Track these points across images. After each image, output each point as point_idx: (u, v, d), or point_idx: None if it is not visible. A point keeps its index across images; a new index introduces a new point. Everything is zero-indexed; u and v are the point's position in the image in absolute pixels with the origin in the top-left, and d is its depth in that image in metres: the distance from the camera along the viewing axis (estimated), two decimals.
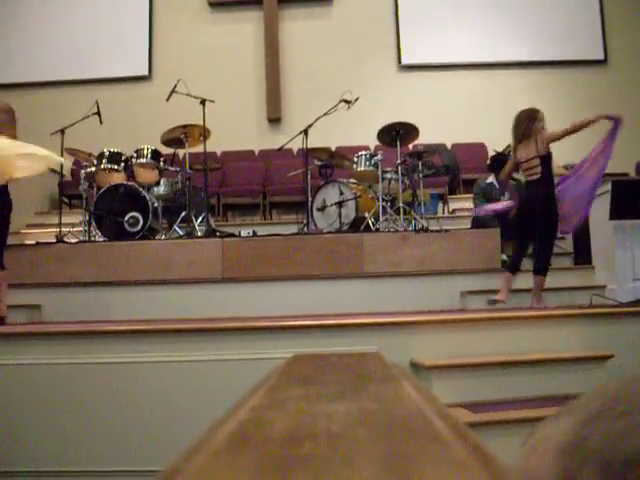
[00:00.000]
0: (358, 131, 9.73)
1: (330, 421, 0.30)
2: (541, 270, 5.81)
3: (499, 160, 7.81)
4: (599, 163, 5.93)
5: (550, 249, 5.89)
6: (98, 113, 7.80)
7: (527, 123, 5.91)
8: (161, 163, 7.47)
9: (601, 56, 11.46)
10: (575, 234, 7.69)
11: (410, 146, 8.71)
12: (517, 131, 5.96)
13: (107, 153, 7.41)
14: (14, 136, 5.60)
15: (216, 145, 9.49)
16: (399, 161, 7.24)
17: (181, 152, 8.09)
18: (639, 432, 0.48)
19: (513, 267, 5.97)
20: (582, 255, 7.48)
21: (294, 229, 7.64)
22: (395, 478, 0.22)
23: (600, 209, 6.49)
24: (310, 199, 7.45)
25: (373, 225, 7.10)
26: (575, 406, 0.56)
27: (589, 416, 0.53)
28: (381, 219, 7.08)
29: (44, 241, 7.11)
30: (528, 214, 5.85)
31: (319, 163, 7.99)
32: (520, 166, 5.93)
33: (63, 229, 7.26)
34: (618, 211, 5.91)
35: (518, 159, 5.92)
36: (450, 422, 0.30)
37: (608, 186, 6.19)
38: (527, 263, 6.35)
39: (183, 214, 7.30)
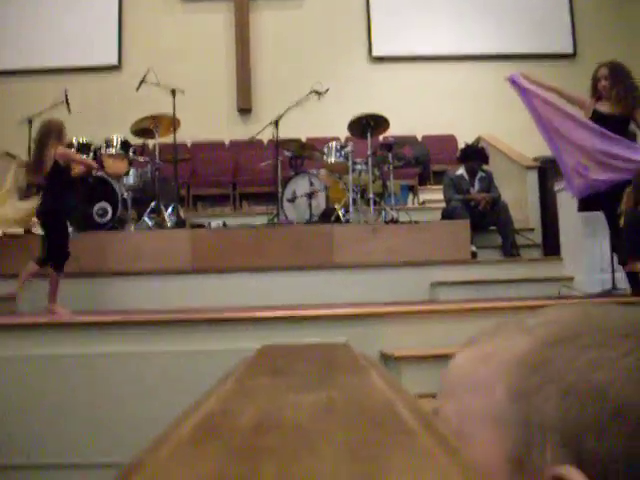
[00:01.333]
0: (329, 122, 9.71)
1: (297, 411, 0.30)
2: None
3: (469, 152, 7.86)
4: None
5: None
6: (67, 102, 7.74)
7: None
8: (130, 153, 7.42)
9: (570, 50, 11.54)
10: (544, 226, 7.76)
11: (381, 137, 8.71)
12: None
13: (76, 143, 7.34)
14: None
15: (186, 135, 9.46)
16: (369, 152, 7.25)
17: (151, 142, 8.04)
18: (604, 367, 0.50)
19: None
20: (551, 247, 7.55)
21: (264, 220, 7.63)
22: (360, 467, 0.21)
23: (568, 201, 6.54)
24: (280, 190, 7.44)
25: (343, 216, 7.11)
26: (531, 326, 0.57)
27: (552, 340, 0.54)
28: (351, 210, 7.09)
29: (11, 231, 7.04)
30: None
31: (289, 154, 7.98)
32: None
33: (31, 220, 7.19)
34: (586, 203, 5.95)
35: None
36: (417, 413, 0.30)
37: None
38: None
39: (152, 205, 7.26)
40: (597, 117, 5.83)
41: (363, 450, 0.24)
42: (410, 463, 0.23)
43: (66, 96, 7.71)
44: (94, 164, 6.42)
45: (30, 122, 7.50)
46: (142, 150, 7.91)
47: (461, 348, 0.64)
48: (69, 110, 7.74)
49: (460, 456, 0.24)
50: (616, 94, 5.81)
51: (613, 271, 5.75)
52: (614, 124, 5.70)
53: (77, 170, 6.34)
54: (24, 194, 6.92)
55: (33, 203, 6.05)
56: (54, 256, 5.70)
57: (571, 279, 6.51)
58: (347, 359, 0.54)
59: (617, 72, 5.96)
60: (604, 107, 5.85)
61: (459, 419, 0.57)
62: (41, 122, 6.16)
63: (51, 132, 5.89)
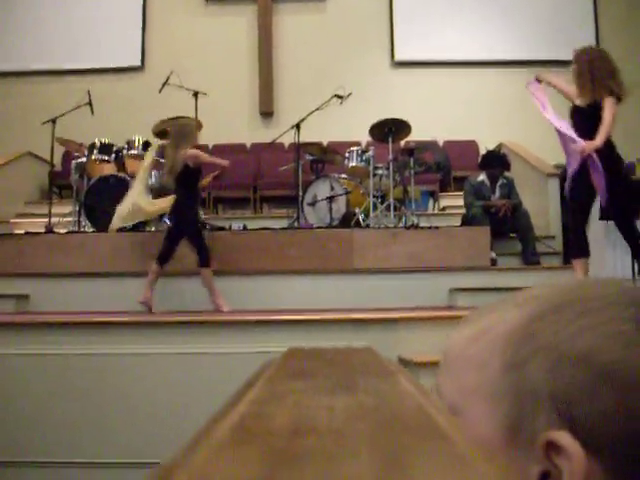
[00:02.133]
0: (350, 127, 9.72)
1: (331, 415, 0.30)
2: None
3: (490, 158, 7.83)
4: None
5: None
6: (90, 103, 7.78)
7: None
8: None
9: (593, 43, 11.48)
10: (565, 234, 7.71)
11: (402, 143, 8.70)
12: None
13: (98, 144, 7.40)
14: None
15: (208, 138, 9.48)
16: (390, 157, 7.25)
17: None
18: (590, 333, 0.53)
19: None
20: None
21: (285, 224, 7.64)
22: (399, 472, 0.22)
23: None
24: (301, 194, 7.45)
25: (363, 221, 7.11)
26: (522, 301, 0.61)
27: (540, 312, 0.57)
28: (371, 215, 7.09)
29: (33, 231, 7.09)
30: None
31: (310, 158, 7.99)
32: None
33: (53, 219, 7.24)
34: (608, 212, 5.91)
35: None
36: (450, 418, 0.30)
37: None
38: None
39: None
40: (573, 110, 5.63)
41: (400, 455, 0.24)
42: (448, 468, 0.23)
43: (89, 97, 7.75)
44: (224, 162, 6.42)
45: (54, 123, 7.54)
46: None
47: (458, 326, 0.66)
48: (92, 111, 7.78)
49: (496, 461, 0.24)
50: (582, 84, 5.47)
51: (635, 279, 5.71)
52: (584, 118, 5.43)
53: (205, 181, 6.46)
54: (157, 194, 7.00)
55: (167, 202, 6.10)
56: (205, 254, 5.86)
57: None
58: (374, 363, 0.54)
59: (583, 58, 5.55)
60: (579, 99, 5.55)
61: (456, 395, 0.60)
62: (174, 124, 6.18)
63: (182, 134, 5.94)
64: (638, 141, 9.17)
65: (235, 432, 0.27)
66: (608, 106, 5.26)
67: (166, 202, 6.12)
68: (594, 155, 5.21)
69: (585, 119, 5.37)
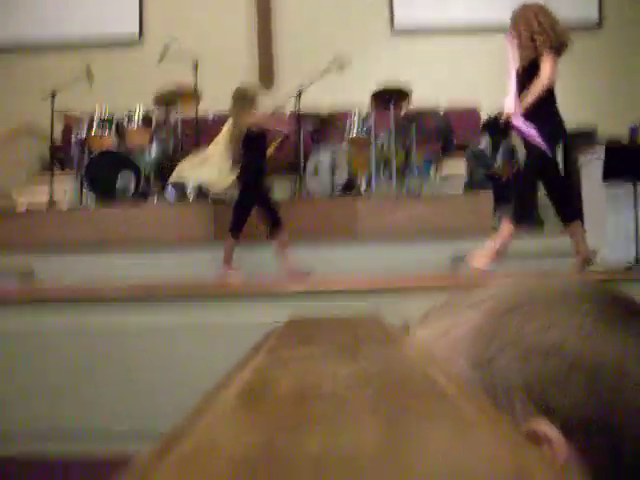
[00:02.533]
0: (351, 95, 9.66)
1: (335, 382, 0.30)
2: None
3: (492, 124, 7.81)
4: None
5: None
6: (89, 76, 7.75)
7: None
8: (152, 126, 7.44)
9: (596, 19, 11.38)
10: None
11: (403, 110, 8.67)
12: None
13: (98, 116, 7.37)
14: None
15: (208, 108, 9.44)
16: (392, 125, 7.22)
17: (173, 115, 8.05)
18: (555, 328, 0.55)
19: None
20: None
21: (287, 193, 7.63)
22: (403, 436, 0.22)
23: (592, 173, 6.50)
24: (302, 163, 7.43)
25: (366, 189, 7.10)
26: (477, 302, 0.62)
27: (501, 310, 0.58)
28: (374, 183, 7.08)
29: (35, 205, 7.09)
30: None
31: (311, 127, 7.96)
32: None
33: (55, 194, 7.23)
34: (611, 172, 5.90)
35: None
36: (455, 381, 0.30)
37: (601, 151, 6.18)
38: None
39: None
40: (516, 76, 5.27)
41: (405, 420, 0.24)
42: (453, 431, 0.23)
43: (88, 70, 7.72)
44: (286, 128, 6.34)
45: (53, 96, 7.51)
46: (164, 123, 7.91)
47: (416, 327, 0.68)
48: (91, 84, 7.75)
49: (503, 424, 0.24)
50: (522, 43, 5.12)
51: (637, 244, 5.71)
52: (525, 80, 5.12)
53: (271, 149, 6.38)
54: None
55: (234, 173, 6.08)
56: (237, 222, 5.87)
57: (594, 252, 6.47)
58: (378, 330, 0.55)
59: (520, 14, 5.20)
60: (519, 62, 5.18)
61: None
62: (235, 89, 6.19)
63: (243, 99, 5.88)
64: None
65: (239, 399, 0.27)
66: (545, 62, 4.97)
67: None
68: (516, 121, 5.15)
69: (526, 80, 5.09)
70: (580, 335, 0.54)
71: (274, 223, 5.86)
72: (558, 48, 4.98)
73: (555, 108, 5.05)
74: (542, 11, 5.10)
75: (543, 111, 4.98)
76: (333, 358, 0.38)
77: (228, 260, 5.81)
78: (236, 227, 5.83)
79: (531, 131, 5.08)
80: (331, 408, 0.25)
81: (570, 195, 5.10)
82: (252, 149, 5.83)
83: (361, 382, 0.30)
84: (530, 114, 5.01)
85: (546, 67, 4.96)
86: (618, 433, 0.51)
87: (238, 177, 6.01)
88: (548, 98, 5.01)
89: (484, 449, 0.22)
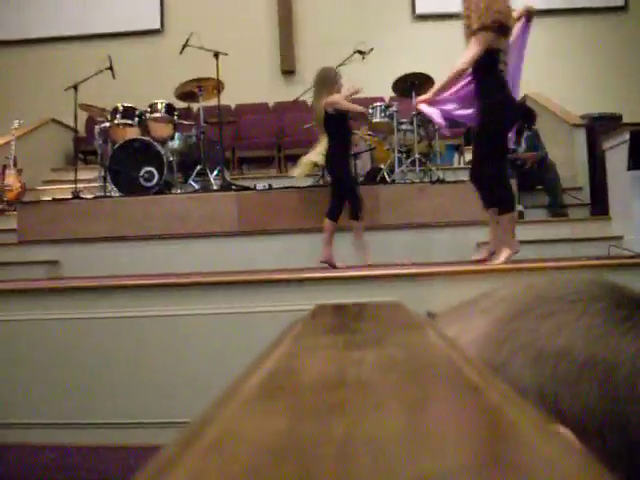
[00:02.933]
0: (373, 82, 9.63)
1: (359, 368, 0.30)
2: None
3: (516, 110, 7.77)
4: (514, 56, 5.21)
5: None
6: (111, 68, 7.77)
7: None
8: (175, 117, 7.46)
9: (621, 2, 11.27)
10: (592, 185, 7.65)
11: None
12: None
13: (121, 108, 7.40)
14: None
15: (230, 98, 9.45)
16: (414, 112, 7.19)
17: (195, 106, 8.06)
18: (566, 330, 0.54)
19: None
20: (599, 206, 7.46)
21: (310, 182, 7.63)
22: (427, 422, 0.22)
23: (617, 159, 6.45)
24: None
25: (389, 177, 7.08)
26: (488, 306, 0.61)
27: (511, 314, 0.58)
28: (397, 170, 7.06)
29: (60, 197, 7.13)
30: (508, 129, 5.06)
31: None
32: (500, 58, 4.89)
33: (79, 185, 7.28)
34: (637, 161, 5.86)
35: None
36: (479, 369, 0.30)
37: (626, 136, 6.13)
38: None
39: (198, 168, 7.29)
40: None
41: (429, 406, 0.24)
42: (478, 418, 0.23)
43: (110, 62, 7.75)
44: (362, 109, 6.28)
45: (75, 89, 7.55)
46: (187, 114, 7.93)
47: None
48: (113, 75, 7.79)
49: (528, 411, 0.24)
50: (466, 32, 4.89)
51: None
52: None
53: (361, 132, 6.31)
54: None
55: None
56: (355, 207, 5.85)
57: (620, 238, 6.43)
58: (403, 317, 0.54)
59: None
60: None
61: None
62: (317, 71, 6.09)
63: (323, 81, 5.85)
64: None
65: (264, 387, 0.27)
66: (469, 45, 4.80)
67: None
68: (422, 107, 5.15)
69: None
70: (591, 336, 0.54)
71: (352, 209, 5.82)
72: (491, 28, 4.70)
73: (495, 86, 4.82)
74: None
75: (483, 90, 4.86)
76: (359, 346, 0.38)
77: (327, 244, 5.79)
78: (333, 211, 5.83)
79: (433, 113, 5.11)
80: (355, 395, 0.25)
81: (499, 181, 4.94)
82: (332, 133, 5.78)
83: (385, 369, 0.30)
84: (464, 95, 5.05)
85: (467, 50, 4.82)
86: (633, 434, 0.51)
87: (325, 163, 6.10)
88: (485, 77, 4.86)
89: (508, 434, 0.21)
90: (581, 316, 0.55)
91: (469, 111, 5.11)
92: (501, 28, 4.74)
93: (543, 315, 0.56)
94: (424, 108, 5.19)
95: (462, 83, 5.11)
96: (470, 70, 4.93)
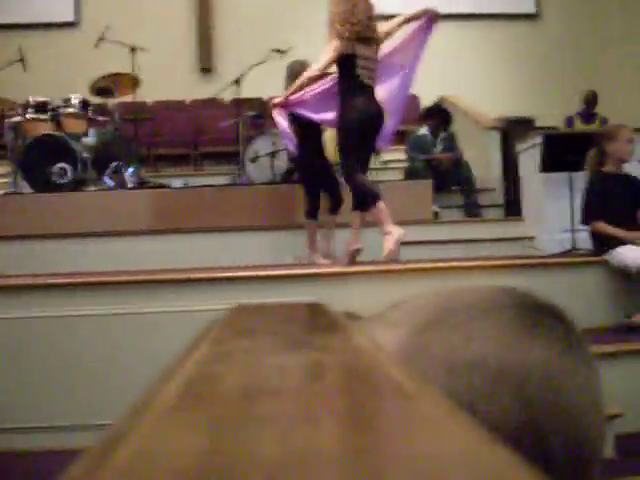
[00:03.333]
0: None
1: (283, 375, 0.28)
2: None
3: (432, 111, 7.86)
4: (408, 55, 5.50)
5: None
6: (22, 60, 7.58)
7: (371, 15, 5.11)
8: (90, 113, 7.31)
9: (533, 10, 11.51)
10: (506, 186, 7.80)
11: None
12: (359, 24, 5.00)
13: (33, 102, 7.21)
14: None
15: (146, 94, 9.32)
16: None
17: (110, 102, 7.93)
18: (479, 341, 0.54)
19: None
20: (512, 207, 7.61)
21: (226, 180, 7.58)
22: (365, 436, 0.20)
23: (530, 161, 6.58)
24: (242, 150, 7.38)
25: None
26: (397, 319, 0.60)
27: (422, 327, 0.57)
28: None
29: None
30: (367, 130, 5.10)
31: (251, 114, 7.92)
32: (357, 63, 5.01)
33: None
34: (548, 164, 6.00)
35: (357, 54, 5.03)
36: (410, 375, 0.29)
37: (538, 139, 6.27)
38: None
39: (113, 165, 7.17)
40: None
41: (364, 418, 0.22)
42: (415, 431, 0.21)
43: (21, 53, 7.55)
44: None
45: None
46: (101, 109, 7.79)
47: None
48: (25, 68, 7.59)
49: (465, 422, 0.22)
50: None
51: (574, 231, 5.79)
52: None
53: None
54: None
55: None
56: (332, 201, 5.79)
57: (532, 239, 6.56)
58: (324, 318, 0.53)
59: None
60: None
61: None
62: (288, 65, 6.07)
63: (293, 74, 5.70)
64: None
65: (181, 396, 0.25)
66: (324, 52, 5.11)
67: None
68: (276, 117, 5.42)
69: None
70: (502, 345, 0.54)
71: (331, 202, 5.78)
72: (347, 38, 4.94)
73: (351, 90, 5.04)
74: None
75: (341, 94, 5.09)
76: (281, 350, 0.36)
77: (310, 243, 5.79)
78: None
79: (281, 124, 5.41)
80: (282, 405, 0.23)
81: (355, 183, 5.17)
82: (298, 128, 5.69)
83: (312, 375, 0.28)
84: (322, 97, 5.33)
85: (321, 56, 5.11)
86: (547, 440, 0.52)
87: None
88: (343, 81, 5.10)
89: (452, 448, 0.20)
90: (491, 325, 0.55)
91: (328, 115, 5.32)
92: (359, 38, 4.94)
93: (454, 326, 0.56)
94: (278, 118, 5.41)
95: (322, 87, 5.39)
96: (334, 75, 5.23)
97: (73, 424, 3.82)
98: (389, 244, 4.94)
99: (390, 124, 5.39)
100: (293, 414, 0.22)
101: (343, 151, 5.12)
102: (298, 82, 5.22)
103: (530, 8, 11.47)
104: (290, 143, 5.64)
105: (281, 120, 5.38)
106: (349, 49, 4.92)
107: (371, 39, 5.04)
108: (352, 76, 4.99)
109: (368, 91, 5.04)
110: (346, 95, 5.03)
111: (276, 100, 5.34)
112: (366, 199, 5.10)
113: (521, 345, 0.54)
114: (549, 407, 0.52)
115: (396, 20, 5.40)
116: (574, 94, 9.45)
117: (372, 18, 5.06)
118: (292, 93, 5.33)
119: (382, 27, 5.23)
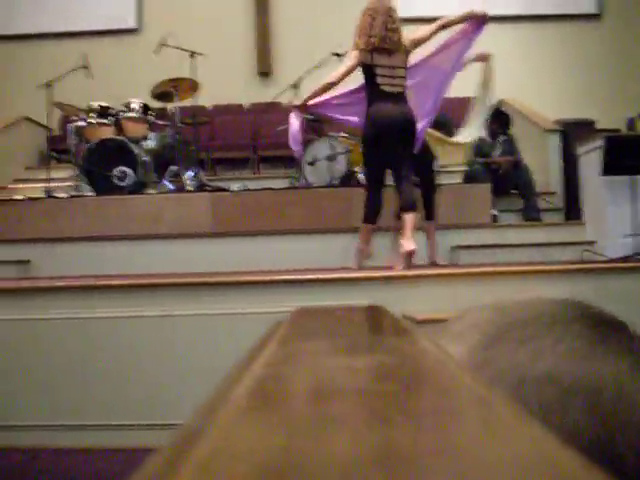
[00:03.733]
0: (349, 84, 9.64)
1: (352, 376, 0.28)
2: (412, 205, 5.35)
3: (492, 115, 7.79)
4: (449, 58, 5.76)
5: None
6: (87, 66, 7.71)
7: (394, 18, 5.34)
8: (150, 117, 7.41)
9: (595, 9, 11.34)
10: (566, 190, 7.70)
11: None
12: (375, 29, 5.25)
13: (96, 107, 7.33)
14: None
15: (206, 99, 9.40)
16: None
17: (170, 106, 8.01)
18: (546, 355, 0.53)
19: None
20: (573, 211, 7.51)
21: (285, 184, 7.61)
22: (441, 439, 0.20)
23: (591, 164, 6.49)
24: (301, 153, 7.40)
25: (364, 180, 7.07)
26: (460, 332, 0.59)
27: (486, 341, 0.56)
28: None
29: (33, 196, 7.06)
30: (388, 139, 5.19)
31: (309, 117, 7.93)
32: (377, 72, 5.24)
33: (52, 184, 7.21)
34: (610, 167, 5.91)
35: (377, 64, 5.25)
36: (475, 377, 0.28)
37: (600, 142, 6.17)
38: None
39: (173, 168, 7.25)
40: None
41: (437, 419, 0.22)
42: (491, 434, 0.21)
43: (86, 60, 7.68)
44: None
45: (49, 86, 7.48)
46: (162, 113, 7.88)
47: None
48: (90, 74, 7.72)
49: (538, 426, 0.22)
50: None
51: (635, 235, 5.70)
52: None
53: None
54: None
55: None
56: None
57: (593, 243, 6.47)
58: (387, 321, 0.53)
59: None
60: None
61: None
62: None
63: None
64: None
65: (253, 397, 0.25)
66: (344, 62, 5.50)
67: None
68: (291, 120, 5.77)
69: None
70: (572, 360, 0.53)
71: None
72: (364, 49, 5.23)
73: (369, 99, 5.31)
74: (362, 13, 5.47)
75: (366, 101, 5.34)
76: (347, 351, 0.36)
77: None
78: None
79: (293, 126, 5.79)
80: (355, 405, 0.23)
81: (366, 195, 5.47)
82: None
83: (381, 377, 0.28)
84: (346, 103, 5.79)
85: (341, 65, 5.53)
86: (620, 454, 0.50)
87: None
88: (366, 89, 5.38)
89: (522, 451, 0.20)
90: (559, 339, 0.54)
91: (354, 118, 5.75)
92: (376, 49, 5.20)
93: (520, 340, 0.55)
94: (292, 120, 5.74)
95: (349, 91, 5.81)
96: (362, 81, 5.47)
97: (89, 423, 3.87)
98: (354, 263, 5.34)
99: (418, 128, 5.41)
100: (365, 415, 0.22)
101: (362, 163, 5.56)
102: (317, 87, 5.49)
103: (591, 8, 11.30)
104: (296, 146, 5.75)
105: (294, 122, 5.66)
106: (367, 59, 5.20)
107: (391, 49, 5.23)
108: (373, 84, 5.23)
109: (390, 99, 5.19)
110: (369, 103, 5.27)
111: (295, 102, 5.47)
112: (365, 214, 5.44)
113: (592, 360, 0.53)
114: (622, 421, 0.51)
115: (434, 26, 5.58)
116: (636, 96, 9.30)
117: (395, 29, 5.27)
118: (310, 97, 5.63)
119: (415, 33, 5.49)
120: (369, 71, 5.24)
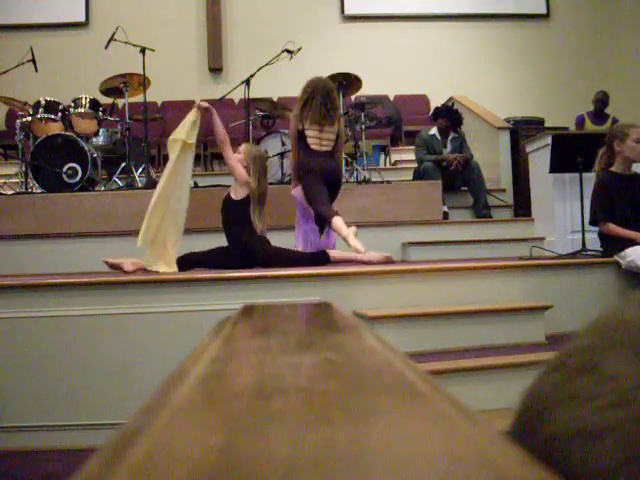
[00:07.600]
0: (300, 81, 9.64)
1: (297, 374, 0.28)
2: None
3: (442, 112, 7.83)
4: None
5: None
6: (33, 60, 7.58)
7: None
8: (100, 113, 7.32)
9: (543, 10, 11.48)
10: (515, 187, 7.79)
11: (353, 97, 8.67)
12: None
13: (43, 102, 7.22)
14: None
15: (156, 95, 9.35)
16: (341, 112, 7.20)
17: (120, 102, 7.93)
18: (601, 398, 0.44)
19: None
20: (522, 208, 7.59)
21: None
22: (380, 436, 0.20)
23: (540, 162, 6.56)
24: None
25: None
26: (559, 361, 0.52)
27: (548, 368, 0.50)
28: None
29: None
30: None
31: (261, 114, 7.91)
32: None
33: None
34: (557, 164, 5.97)
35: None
36: (421, 374, 0.28)
37: (548, 140, 6.24)
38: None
39: (123, 165, 7.17)
40: None
41: (378, 417, 0.22)
42: (431, 430, 0.21)
43: (32, 54, 7.55)
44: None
45: None
46: (111, 109, 7.79)
47: None
48: (36, 68, 7.60)
49: (480, 421, 0.22)
50: None
51: (584, 232, 5.76)
52: None
53: None
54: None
55: None
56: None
57: (542, 239, 6.54)
58: (335, 318, 0.52)
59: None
60: None
61: None
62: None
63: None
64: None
65: (195, 394, 0.25)
66: None
67: None
68: None
69: None
70: None
71: None
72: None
73: (305, 156, 5.75)
74: (302, 89, 6.12)
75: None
76: (292, 349, 0.35)
77: None
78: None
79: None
80: (295, 405, 0.23)
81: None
82: None
83: (325, 375, 0.28)
84: None
85: None
86: None
87: None
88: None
89: (461, 448, 0.20)
90: None
91: None
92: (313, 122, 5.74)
93: (576, 369, 0.49)
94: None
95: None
96: None
97: (83, 423, 3.83)
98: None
99: None
100: (306, 412, 0.22)
101: None
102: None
103: (540, 8, 11.44)
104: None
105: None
106: (299, 126, 5.76)
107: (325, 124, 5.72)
108: (305, 145, 5.74)
109: (312, 157, 5.66)
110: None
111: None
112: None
113: None
114: None
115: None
116: (585, 94, 9.43)
117: (334, 108, 5.87)
118: None
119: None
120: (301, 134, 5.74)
